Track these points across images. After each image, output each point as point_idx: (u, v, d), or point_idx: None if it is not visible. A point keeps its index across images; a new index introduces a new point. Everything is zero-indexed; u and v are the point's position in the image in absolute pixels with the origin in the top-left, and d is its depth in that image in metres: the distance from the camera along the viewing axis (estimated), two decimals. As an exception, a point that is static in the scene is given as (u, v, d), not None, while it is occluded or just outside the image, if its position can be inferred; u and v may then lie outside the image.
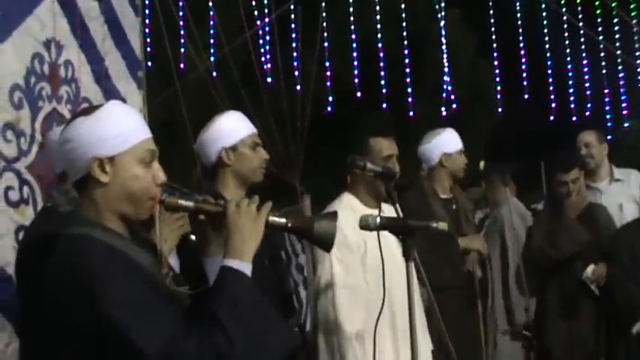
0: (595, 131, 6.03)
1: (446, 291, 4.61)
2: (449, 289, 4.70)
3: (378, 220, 2.72)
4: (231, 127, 3.58)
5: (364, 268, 3.67)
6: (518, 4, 8.67)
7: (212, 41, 7.84)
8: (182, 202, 2.25)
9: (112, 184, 2.14)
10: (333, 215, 2.28)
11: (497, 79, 9.05)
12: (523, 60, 8.93)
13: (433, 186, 4.96)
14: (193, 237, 2.49)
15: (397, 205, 3.06)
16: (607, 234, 5.39)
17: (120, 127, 2.16)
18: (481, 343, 5.25)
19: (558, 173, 5.34)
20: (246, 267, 2.14)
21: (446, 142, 4.97)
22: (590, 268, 5.22)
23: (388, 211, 3.42)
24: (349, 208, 3.69)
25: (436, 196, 4.93)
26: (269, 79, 7.98)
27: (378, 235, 2.89)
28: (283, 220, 2.25)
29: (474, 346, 5.03)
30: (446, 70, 8.76)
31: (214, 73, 7.77)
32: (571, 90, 9.11)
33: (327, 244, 2.26)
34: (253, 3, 7.79)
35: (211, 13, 7.66)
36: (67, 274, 2.04)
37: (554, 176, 5.37)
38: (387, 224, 2.74)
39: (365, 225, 2.74)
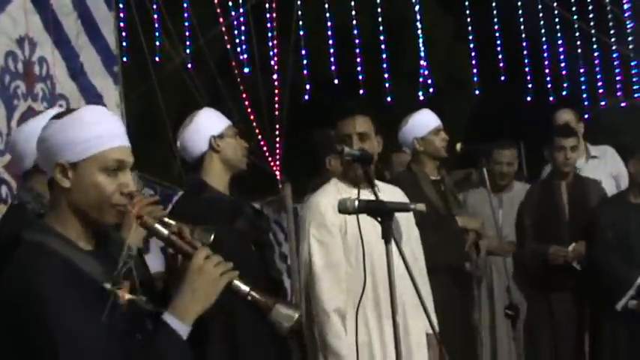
0: (572, 109, 6.10)
1: (444, 273, 4.64)
2: (447, 272, 4.72)
3: (357, 203, 2.73)
4: (215, 118, 3.79)
5: (345, 249, 3.70)
6: (492, -14, 8.69)
7: (187, 33, 7.81)
8: (158, 227, 2.23)
9: (74, 189, 2.14)
10: (296, 307, 2.25)
11: (474, 61, 9.07)
12: (499, 42, 8.96)
13: (422, 168, 4.97)
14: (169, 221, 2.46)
15: (375, 188, 3.09)
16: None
17: (86, 134, 2.14)
18: (474, 326, 5.29)
19: (557, 138, 5.34)
20: (183, 329, 2.11)
21: (415, 126, 4.96)
22: (571, 246, 5.27)
23: (382, 194, 3.46)
24: (336, 191, 3.73)
25: (427, 177, 4.94)
26: (246, 69, 7.97)
27: (358, 218, 2.92)
28: (246, 290, 2.19)
29: (468, 329, 5.06)
30: (422, 54, 8.77)
31: (189, 65, 7.75)
32: (547, 70, 9.15)
33: (278, 331, 2.23)
34: (227, -7, 7.77)
35: (185, 4, 7.62)
36: (13, 282, 2.04)
37: (552, 142, 5.37)
38: (365, 207, 2.76)
39: (343, 208, 2.76)
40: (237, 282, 2.17)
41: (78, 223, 2.16)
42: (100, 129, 2.16)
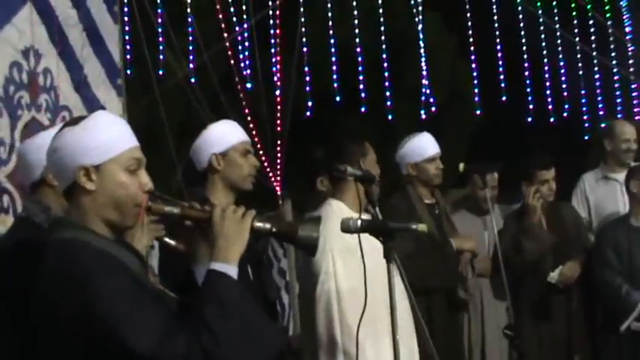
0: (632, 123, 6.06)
1: (436, 294, 4.65)
2: (437, 293, 4.73)
3: (359, 222, 2.74)
4: (222, 134, 3.67)
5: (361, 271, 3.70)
6: (496, 6, 8.72)
7: (191, 48, 7.83)
8: (168, 208, 2.30)
9: (99, 191, 2.19)
10: (317, 220, 2.31)
11: (476, 81, 9.09)
12: (501, 62, 8.98)
13: (416, 192, 4.97)
14: (170, 240, 2.52)
15: (377, 208, 3.10)
16: (575, 232, 5.44)
17: (105, 136, 2.20)
18: (463, 345, 5.28)
19: (539, 171, 5.33)
20: (230, 269, 2.18)
21: (410, 153, 4.96)
22: (557, 271, 5.26)
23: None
24: (340, 213, 3.72)
25: (421, 200, 4.95)
26: (249, 85, 7.98)
27: (359, 237, 2.92)
28: (268, 226, 2.29)
29: (458, 349, 5.06)
30: (425, 73, 8.79)
31: (192, 80, 7.77)
32: (548, 91, 9.17)
33: (311, 247, 2.29)
34: (232, 9, 7.79)
35: (190, 19, 7.65)
36: (58, 278, 2.08)
37: (532, 175, 5.35)
38: (368, 227, 2.77)
39: (346, 228, 2.77)
40: (257, 223, 2.27)
41: (102, 224, 2.20)
42: (117, 130, 2.24)
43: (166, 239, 2.53)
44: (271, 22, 7.97)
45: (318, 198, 4.83)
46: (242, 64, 7.99)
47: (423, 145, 4.99)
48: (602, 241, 5.37)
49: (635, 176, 5.31)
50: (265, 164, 7.79)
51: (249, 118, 7.65)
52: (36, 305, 2.13)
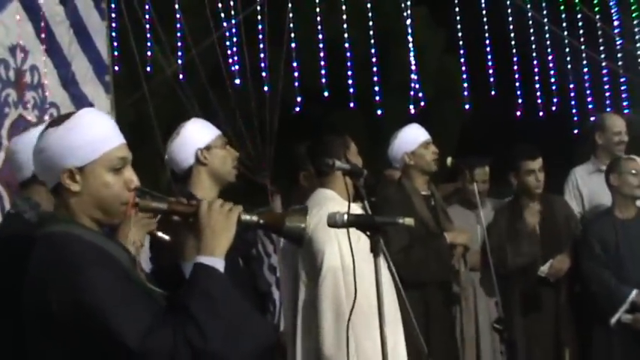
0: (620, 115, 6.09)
1: (430, 287, 4.67)
2: (434, 286, 4.75)
3: (346, 217, 2.74)
4: (201, 130, 3.75)
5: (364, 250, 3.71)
6: (484, 1, 8.73)
7: (179, 44, 7.81)
8: (155, 204, 2.31)
9: (83, 192, 2.19)
10: (303, 210, 2.31)
11: (465, 75, 9.10)
12: (489, 57, 9.00)
13: (412, 183, 4.99)
14: (162, 235, 2.52)
15: (366, 202, 3.11)
16: (566, 226, 5.45)
17: (88, 137, 2.18)
18: (456, 338, 5.30)
19: (524, 162, 5.33)
20: (217, 262, 2.18)
21: (405, 141, 5.00)
22: (547, 265, 5.28)
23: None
24: (333, 198, 3.75)
25: (417, 193, 4.97)
26: (237, 81, 7.97)
27: (348, 232, 2.93)
28: (255, 218, 2.30)
29: (451, 342, 5.08)
30: (413, 67, 8.78)
31: (181, 76, 7.76)
32: (537, 86, 9.19)
33: (298, 238, 2.30)
34: (220, 5, 7.78)
35: (177, 15, 7.63)
36: (48, 269, 2.09)
37: (518, 166, 5.36)
38: (355, 221, 2.77)
39: (332, 223, 2.77)
40: (245, 216, 2.27)
41: (90, 221, 2.21)
42: (101, 130, 2.22)
43: (159, 234, 2.53)
44: (259, 17, 7.96)
45: (302, 192, 4.84)
46: (230, 60, 7.97)
47: (415, 132, 5.05)
48: (588, 233, 5.39)
49: (615, 169, 5.34)
50: (254, 159, 7.79)
51: (237, 114, 7.64)
52: (26, 298, 2.13)
